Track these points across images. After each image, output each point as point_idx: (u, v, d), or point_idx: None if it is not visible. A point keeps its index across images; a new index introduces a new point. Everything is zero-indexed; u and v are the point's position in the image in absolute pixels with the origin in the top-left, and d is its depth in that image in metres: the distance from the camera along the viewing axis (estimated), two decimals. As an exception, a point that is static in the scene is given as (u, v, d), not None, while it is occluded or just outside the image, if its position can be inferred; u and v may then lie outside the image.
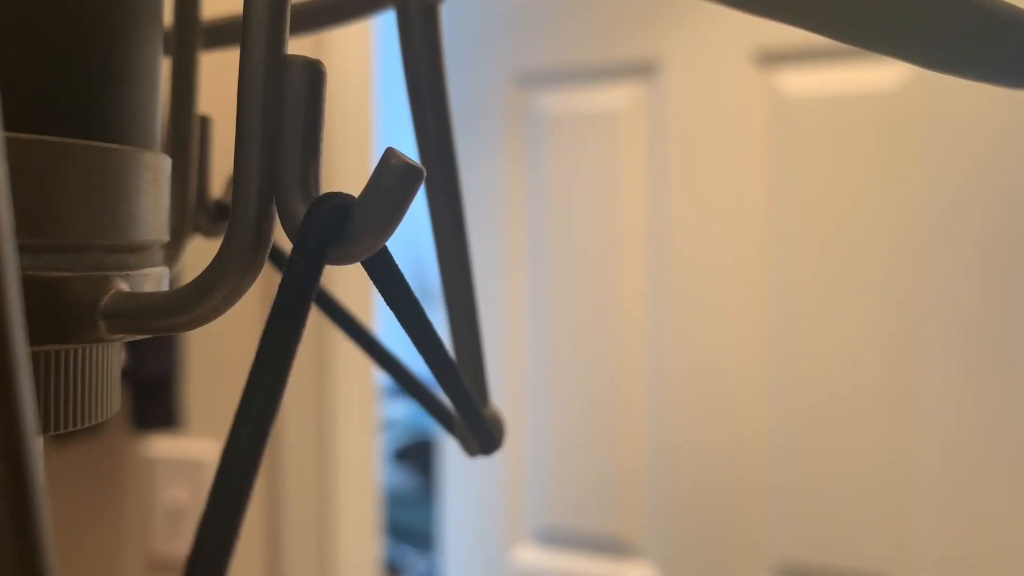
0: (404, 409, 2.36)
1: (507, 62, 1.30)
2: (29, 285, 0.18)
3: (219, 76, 0.52)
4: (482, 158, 1.32)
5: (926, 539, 1.07)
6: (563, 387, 1.28)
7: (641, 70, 1.22)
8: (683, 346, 1.20)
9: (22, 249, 0.18)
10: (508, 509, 1.33)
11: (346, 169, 0.91)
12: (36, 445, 0.12)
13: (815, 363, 1.14)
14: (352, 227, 0.17)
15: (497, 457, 1.28)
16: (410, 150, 0.21)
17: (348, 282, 0.90)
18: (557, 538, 1.30)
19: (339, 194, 0.17)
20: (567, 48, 1.27)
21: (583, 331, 1.27)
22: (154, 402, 0.88)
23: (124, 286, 0.20)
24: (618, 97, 1.24)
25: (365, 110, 0.96)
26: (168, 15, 0.24)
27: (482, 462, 1.31)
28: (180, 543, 0.90)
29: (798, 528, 1.14)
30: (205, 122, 0.28)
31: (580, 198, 1.27)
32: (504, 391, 1.30)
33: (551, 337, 1.29)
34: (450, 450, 1.39)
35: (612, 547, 1.26)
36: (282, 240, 0.19)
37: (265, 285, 0.89)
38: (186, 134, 0.27)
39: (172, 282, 0.24)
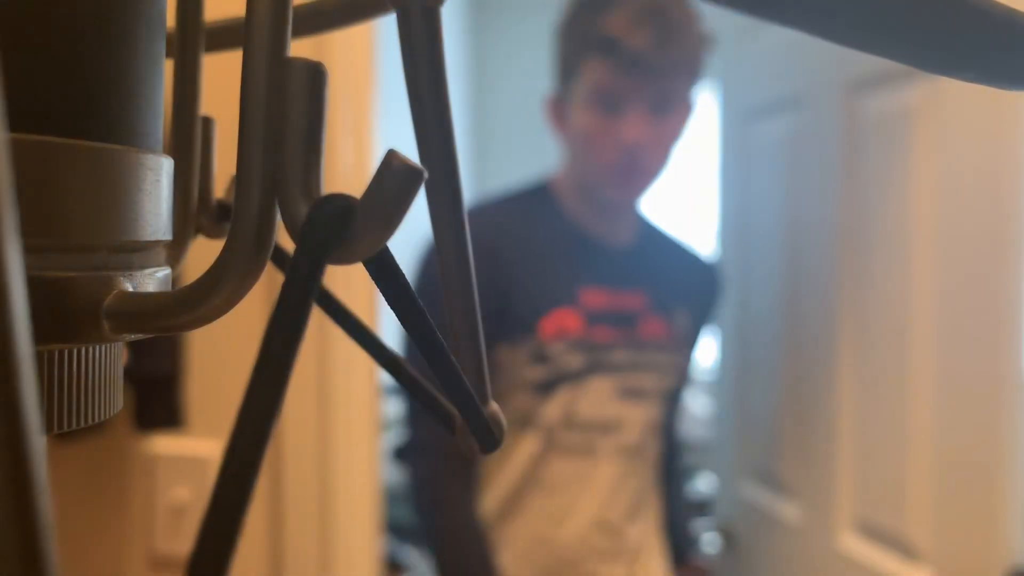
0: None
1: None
2: (33, 285, 0.18)
3: (221, 78, 0.52)
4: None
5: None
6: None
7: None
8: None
9: (26, 249, 0.18)
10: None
11: (347, 170, 0.91)
12: (39, 444, 0.12)
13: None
14: (354, 228, 0.17)
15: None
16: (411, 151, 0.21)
17: (350, 282, 0.90)
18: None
19: (341, 195, 0.17)
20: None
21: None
22: (156, 401, 0.88)
23: (127, 286, 0.20)
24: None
25: (366, 111, 0.96)
26: (171, 17, 0.24)
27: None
28: (182, 541, 0.90)
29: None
30: (207, 123, 0.28)
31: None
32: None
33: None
34: (452, 449, 1.39)
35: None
36: (284, 240, 0.19)
37: (267, 285, 0.88)
38: (189, 135, 0.27)
39: (175, 282, 0.24)
